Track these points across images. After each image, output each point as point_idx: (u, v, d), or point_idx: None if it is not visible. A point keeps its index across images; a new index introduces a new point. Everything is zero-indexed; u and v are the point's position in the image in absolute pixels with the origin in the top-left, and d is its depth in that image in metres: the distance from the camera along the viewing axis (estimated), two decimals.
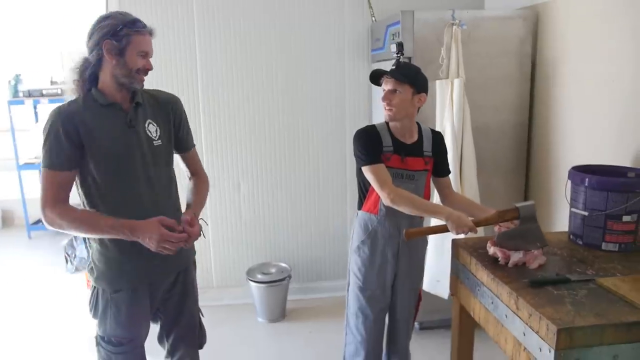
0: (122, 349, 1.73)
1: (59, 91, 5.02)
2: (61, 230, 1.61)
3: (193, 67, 3.22)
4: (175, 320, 1.87)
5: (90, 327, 1.91)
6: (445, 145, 2.12)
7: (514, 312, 1.48)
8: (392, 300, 2.13)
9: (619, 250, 1.81)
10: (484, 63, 2.74)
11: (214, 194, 3.33)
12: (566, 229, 2.00)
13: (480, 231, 2.09)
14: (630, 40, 2.11)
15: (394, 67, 1.97)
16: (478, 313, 1.75)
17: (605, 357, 1.30)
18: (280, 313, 3.30)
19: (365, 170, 1.96)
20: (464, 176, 2.65)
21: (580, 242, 1.88)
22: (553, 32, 2.65)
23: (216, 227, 3.43)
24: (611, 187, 1.80)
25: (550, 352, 1.29)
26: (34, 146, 4.99)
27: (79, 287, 3.73)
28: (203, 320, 1.98)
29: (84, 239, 1.77)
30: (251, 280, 3.25)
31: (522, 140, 2.89)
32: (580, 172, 1.92)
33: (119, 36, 1.57)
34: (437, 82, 2.61)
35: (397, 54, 2.58)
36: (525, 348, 1.42)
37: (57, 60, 5.30)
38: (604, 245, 1.82)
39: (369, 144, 1.97)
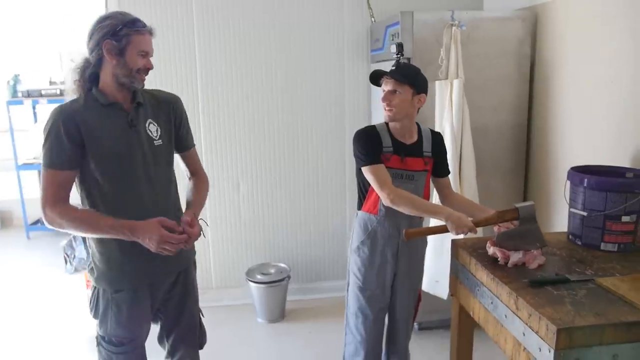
0: (123, 349, 1.73)
1: (58, 91, 5.00)
2: (61, 230, 1.61)
3: (192, 67, 3.22)
4: (175, 320, 1.87)
5: (90, 327, 1.91)
6: (444, 146, 2.13)
7: (513, 312, 1.48)
8: (391, 301, 2.14)
9: (618, 250, 1.81)
10: (483, 64, 2.75)
11: (213, 194, 3.33)
12: (565, 229, 2.00)
13: (480, 231, 2.09)
14: (629, 42, 2.11)
15: (393, 68, 1.97)
16: (478, 313, 1.75)
17: (605, 356, 1.31)
18: (279, 313, 3.30)
19: (365, 170, 1.96)
20: (463, 177, 2.66)
21: (579, 243, 1.89)
22: (552, 33, 2.66)
23: (215, 228, 3.43)
24: (610, 187, 1.80)
25: (550, 352, 1.29)
26: (32, 146, 4.98)
27: (78, 287, 3.72)
28: (203, 320, 1.98)
29: (84, 239, 1.77)
30: (251, 281, 3.25)
31: (521, 140, 2.89)
32: (579, 172, 1.92)
33: (119, 36, 1.57)
34: (437, 82, 2.61)
35: (396, 54, 2.59)
36: (524, 348, 1.43)
37: (56, 60, 5.29)
38: (602, 246, 1.83)
39: (369, 145, 1.97)
